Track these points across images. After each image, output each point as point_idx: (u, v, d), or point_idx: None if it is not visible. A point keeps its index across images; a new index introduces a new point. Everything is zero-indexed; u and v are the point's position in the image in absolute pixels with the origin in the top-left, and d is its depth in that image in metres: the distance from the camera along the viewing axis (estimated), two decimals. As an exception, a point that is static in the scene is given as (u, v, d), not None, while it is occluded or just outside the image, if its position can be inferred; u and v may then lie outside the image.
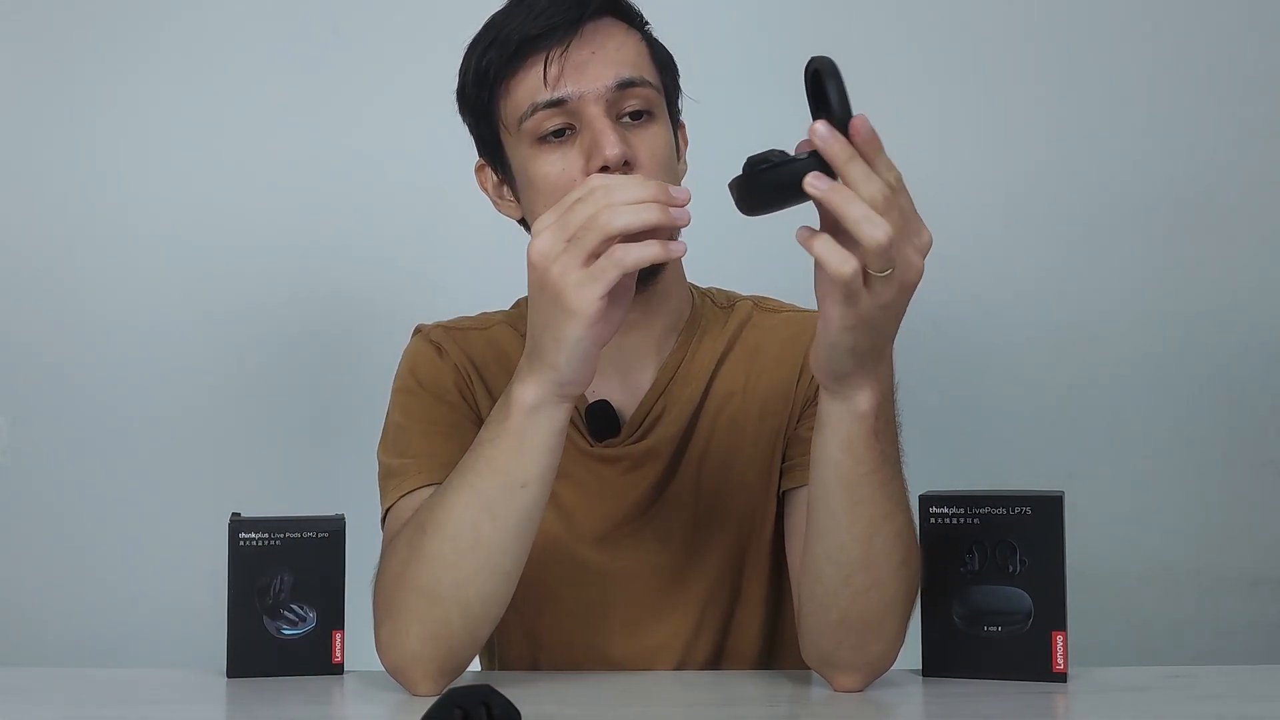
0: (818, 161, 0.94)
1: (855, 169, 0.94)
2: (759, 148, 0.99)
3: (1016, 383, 1.92)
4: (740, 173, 0.97)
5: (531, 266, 1.04)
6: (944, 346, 1.91)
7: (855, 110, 0.95)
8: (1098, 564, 1.83)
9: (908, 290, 0.97)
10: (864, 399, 1.03)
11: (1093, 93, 1.90)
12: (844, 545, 1.09)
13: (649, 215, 1.00)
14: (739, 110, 1.80)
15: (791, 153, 0.96)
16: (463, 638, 1.14)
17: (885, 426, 1.06)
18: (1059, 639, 1.17)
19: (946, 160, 1.91)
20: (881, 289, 0.96)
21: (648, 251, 1.00)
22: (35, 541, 1.95)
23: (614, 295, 1.03)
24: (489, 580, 1.12)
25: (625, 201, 1.00)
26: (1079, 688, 1.17)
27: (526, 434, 1.08)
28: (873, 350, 1.00)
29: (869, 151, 0.94)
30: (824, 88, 0.95)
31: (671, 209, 1.00)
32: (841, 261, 0.94)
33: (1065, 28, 1.91)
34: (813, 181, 0.94)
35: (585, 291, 1.01)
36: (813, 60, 0.96)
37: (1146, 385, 1.90)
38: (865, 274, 0.95)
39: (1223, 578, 1.89)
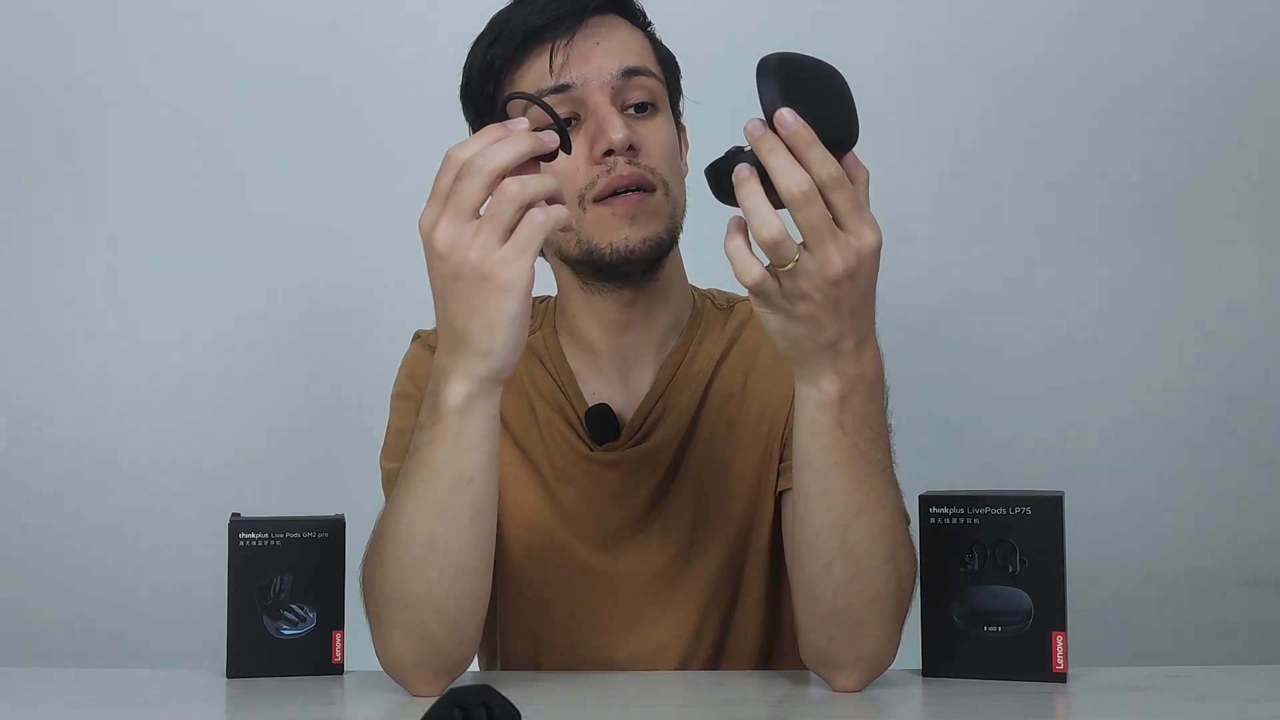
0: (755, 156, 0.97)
1: (776, 160, 0.95)
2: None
3: (1016, 383, 1.92)
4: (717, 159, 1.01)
5: (440, 259, 1.03)
6: (944, 346, 1.91)
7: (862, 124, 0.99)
8: (1098, 564, 1.83)
9: (835, 287, 0.97)
10: (827, 388, 1.03)
11: (1092, 92, 1.90)
12: (819, 531, 1.09)
13: (541, 185, 1.02)
14: (741, 113, 1.79)
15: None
16: (447, 640, 1.13)
17: (857, 423, 1.05)
18: (1059, 639, 1.17)
19: (946, 160, 1.91)
20: (790, 283, 0.97)
21: (562, 213, 1.02)
22: (35, 541, 1.94)
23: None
24: (455, 581, 1.11)
25: (510, 164, 1.01)
26: (1079, 688, 1.17)
27: (463, 433, 1.07)
28: (812, 339, 1.00)
29: (797, 144, 0.96)
30: (758, 85, 0.97)
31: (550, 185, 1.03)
32: (746, 268, 0.97)
33: (1065, 27, 1.91)
34: (737, 170, 0.96)
35: (516, 264, 1.01)
36: (767, 57, 0.98)
37: (1146, 385, 1.90)
38: (774, 273, 0.97)
39: (1223, 578, 1.89)
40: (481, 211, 1.03)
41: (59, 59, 1.95)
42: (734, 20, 1.92)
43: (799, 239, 0.98)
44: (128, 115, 1.95)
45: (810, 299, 0.98)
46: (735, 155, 0.99)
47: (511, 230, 1.01)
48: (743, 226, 0.98)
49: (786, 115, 0.95)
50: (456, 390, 1.06)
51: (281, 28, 1.95)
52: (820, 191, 0.96)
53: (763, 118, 0.97)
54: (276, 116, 1.95)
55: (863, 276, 0.98)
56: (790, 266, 0.96)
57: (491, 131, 1.03)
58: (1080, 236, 1.91)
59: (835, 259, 0.96)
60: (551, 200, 1.03)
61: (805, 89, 0.98)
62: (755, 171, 0.97)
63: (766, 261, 0.99)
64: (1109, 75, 1.90)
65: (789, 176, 0.95)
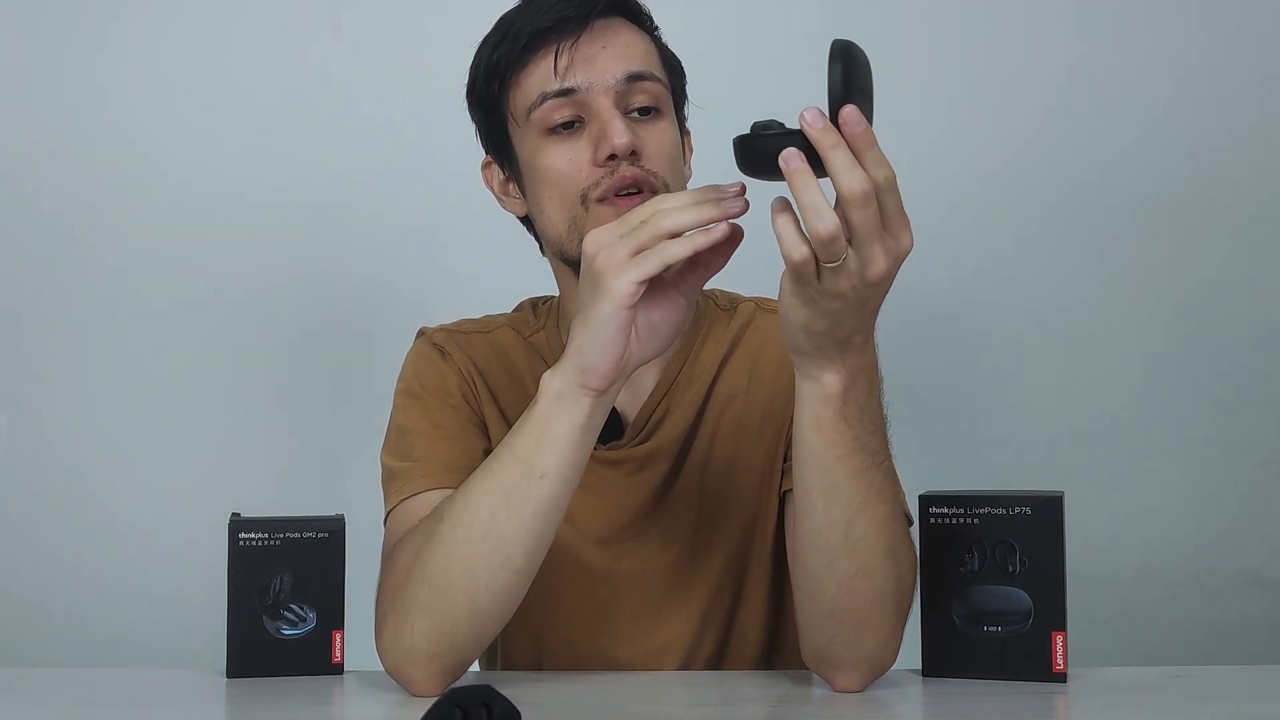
0: (805, 142, 0.95)
1: (838, 158, 0.94)
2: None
3: (1016, 383, 1.92)
4: (748, 131, 0.99)
5: (585, 255, 1.06)
6: (944, 346, 1.91)
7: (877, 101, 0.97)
8: (1098, 564, 1.83)
9: (871, 288, 0.98)
10: (830, 381, 1.04)
11: (1093, 92, 1.90)
12: (822, 530, 1.09)
13: (704, 212, 1.02)
14: (746, 118, 1.79)
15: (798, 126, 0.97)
16: (467, 635, 1.13)
17: (858, 414, 1.06)
18: (1059, 639, 1.17)
19: (946, 159, 1.91)
20: (831, 279, 0.97)
21: (691, 243, 1.02)
22: (35, 541, 1.94)
23: (663, 312, 1.07)
24: (499, 574, 1.11)
25: (679, 205, 1.03)
26: (1079, 688, 1.17)
27: (549, 422, 1.09)
28: (831, 335, 1.01)
29: (858, 144, 0.95)
30: (830, 69, 0.96)
31: (725, 203, 1.02)
32: (794, 245, 0.96)
33: (1065, 27, 1.91)
34: (786, 157, 0.95)
35: (624, 274, 1.03)
36: (835, 42, 0.97)
37: (1146, 385, 1.90)
38: (817, 260, 0.97)
39: (1223, 578, 1.89)
40: None
41: (58, 57, 1.95)
42: (740, 27, 1.92)
43: None
44: (126, 116, 1.95)
45: (844, 298, 0.98)
46: (774, 134, 0.97)
47: (645, 249, 1.03)
48: (788, 206, 0.97)
49: (852, 114, 0.95)
50: (555, 380, 1.09)
51: (283, 28, 1.95)
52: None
53: (823, 109, 0.95)
54: (275, 117, 1.95)
55: (892, 278, 0.99)
56: (838, 264, 0.96)
57: (703, 193, 1.03)
58: (1080, 236, 1.91)
59: (880, 260, 0.97)
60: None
61: (864, 84, 0.97)
62: (805, 159, 0.95)
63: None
64: (1109, 75, 1.90)
65: (851, 176, 0.94)
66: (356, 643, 1.24)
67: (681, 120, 1.31)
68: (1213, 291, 1.90)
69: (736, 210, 1.02)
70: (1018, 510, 1.18)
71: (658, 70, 1.25)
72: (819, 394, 1.05)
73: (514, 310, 1.40)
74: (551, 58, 1.21)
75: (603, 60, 1.21)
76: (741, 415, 1.31)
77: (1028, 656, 1.18)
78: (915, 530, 1.20)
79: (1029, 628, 1.18)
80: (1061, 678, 1.17)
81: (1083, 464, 1.89)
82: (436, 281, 1.92)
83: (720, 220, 1.02)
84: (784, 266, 0.99)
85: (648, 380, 1.31)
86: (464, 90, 1.30)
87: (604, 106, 1.20)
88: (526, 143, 1.25)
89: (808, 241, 0.96)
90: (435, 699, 0.94)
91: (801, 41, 1.92)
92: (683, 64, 1.32)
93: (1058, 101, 1.91)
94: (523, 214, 1.32)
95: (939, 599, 1.20)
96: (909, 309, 1.89)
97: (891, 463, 1.13)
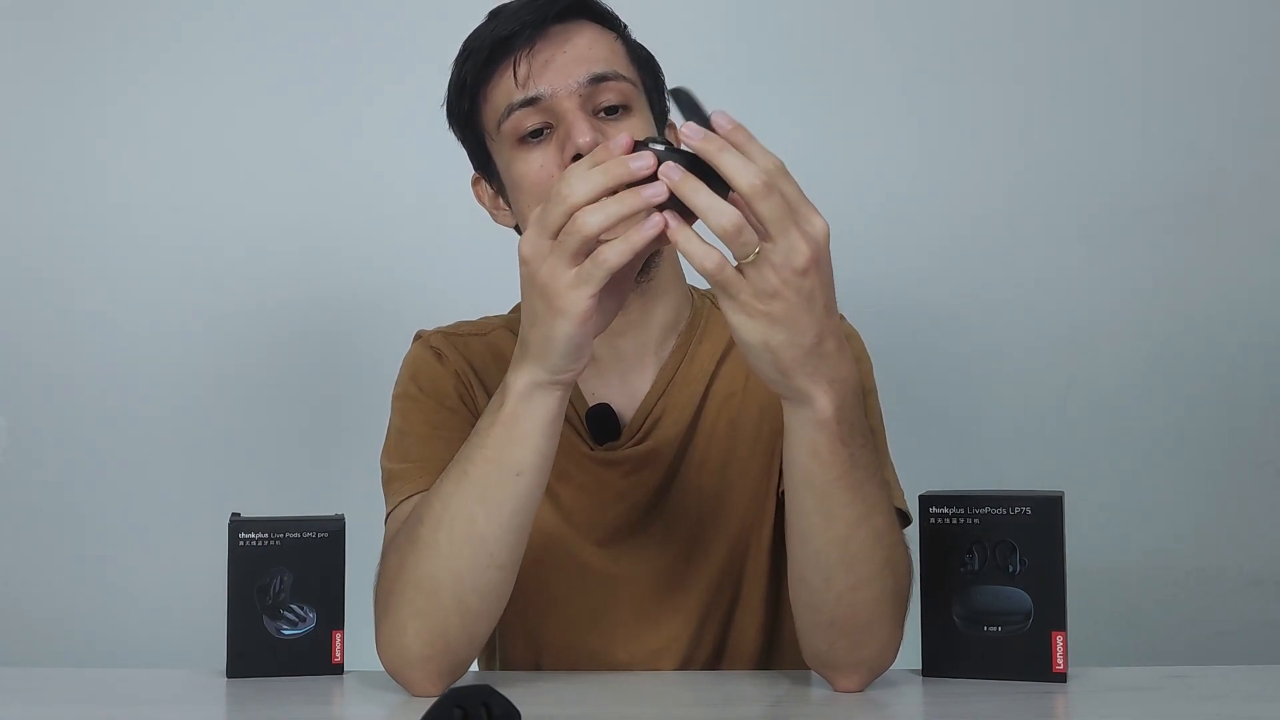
0: (682, 157, 0.96)
1: (728, 158, 0.95)
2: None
3: (1016, 382, 1.92)
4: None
5: (522, 262, 1.03)
6: (944, 346, 1.91)
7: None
8: (1098, 564, 1.83)
9: (804, 277, 0.96)
10: (822, 404, 1.02)
11: (1092, 92, 1.91)
12: (820, 549, 1.09)
13: (619, 208, 0.98)
14: (729, 108, 1.79)
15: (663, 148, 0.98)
16: (460, 635, 1.14)
17: (850, 431, 1.04)
18: (1059, 639, 1.17)
19: (945, 159, 1.91)
20: (758, 276, 0.96)
21: (630, 243, 0.98)
22: (35, 541, 1.94)
23: (607, 288, 1.02)
24: (485, 573, 1.11)
25: (589, 197, 0.98)
26: (1079, 688, 1.17)
27: (519, 421, 1.08)
28: (794, 348, 0.99)
29: (738, 140, 0.96)
30: (680, 107, 0.99)
31: (644, 192, 0.97)
32: (703, 254, 0.96)
33: (1064, 27, 1.91)
34: (667, 171, 0.95)
35: (576, 293, 1.00)
36: (671, 92, 1.01)
37: (1146, 385, 1.90)
38: (739, 265, 0.96)
39: (1223, 578, 1.89)
40: None
41: (56, 55, 1.95)
42: (723, 18, 1.92)
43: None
44: (125, 114, 1.95)
45: (782, 296, 0.96)
46: (659, 152, 0.97)
47: (582, 256, 1.00)
48: (681, 221, 0.97)
49: (723, 118, 0.96)
50: (521, 378, 1.07)
51: (281, 25, 1.95)
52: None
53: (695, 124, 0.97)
54: (275, 116, 1.95)
55: (825, 265, 0.98)
56: (753, 257, 0.95)
57: (596, 154, 0.99)
58: (1081, 236, 1.91)
59: (801, 246, 0.96)
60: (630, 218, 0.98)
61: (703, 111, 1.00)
62: (685, 171, 0.96)
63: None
64: (1111, 75, 1.90)
65: (746, 171, 0.94)
66: (356, 643, 1.24)
67: (663, 114, 1.30)
68: (1212, 291, 1.90)
69: (659, 199, 0.97)
70: (1018, 510, 1.18)
71: (624, 69, 1.24)
72: (813, 419, 1.03)
73: (510, 312, 1.40)
74: (512, 67, 1.21)
75: (564, 64, 1.21)
76: (739, 414, 1.30)
77: (1028, 656, 1.18)
78: (915, 530, 1.20)
79: (1029, 628, 1.18)
80: (1061, 678, 1.17)
81: (1083, 464, 1.89)
82: (436, 283, 1.92)
83: (641, 210, 0.97)
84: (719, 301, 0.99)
85: (644, 380, 1.31)
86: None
87: (568, 109, 1.20)
88: (502, 154, 1.25)
89: (714, 248, 0.95)
90: (435, 699, 0.95)
91: (793, 34, 1.92)
92: (657, 59, 1.30)
93: (1058, 101, 1.91)
94: (514, 224, 1.31)
95: (939, 599, 1.20)
96: (910, 310, 1.89)
97: (884, 470, 1.12)
